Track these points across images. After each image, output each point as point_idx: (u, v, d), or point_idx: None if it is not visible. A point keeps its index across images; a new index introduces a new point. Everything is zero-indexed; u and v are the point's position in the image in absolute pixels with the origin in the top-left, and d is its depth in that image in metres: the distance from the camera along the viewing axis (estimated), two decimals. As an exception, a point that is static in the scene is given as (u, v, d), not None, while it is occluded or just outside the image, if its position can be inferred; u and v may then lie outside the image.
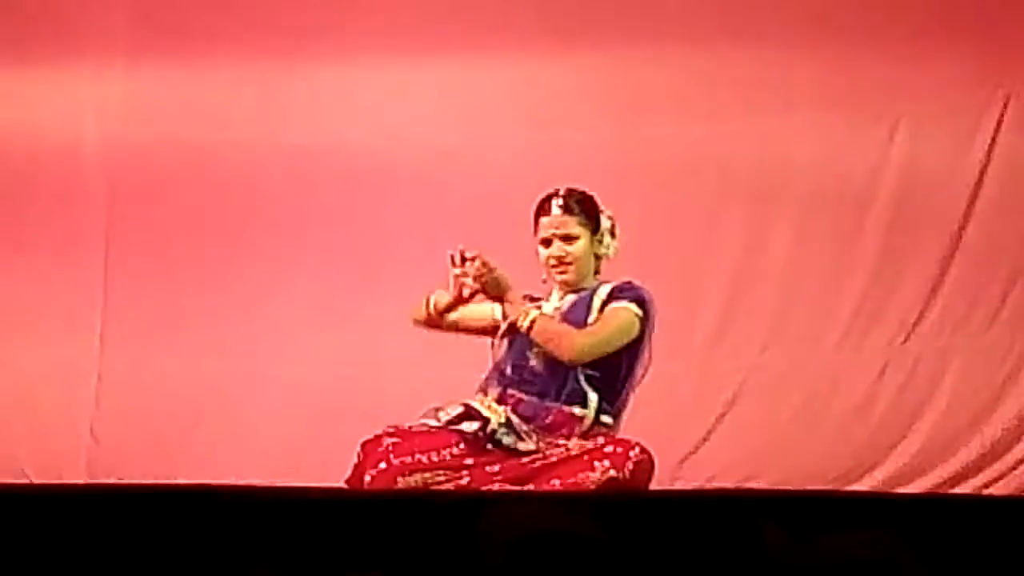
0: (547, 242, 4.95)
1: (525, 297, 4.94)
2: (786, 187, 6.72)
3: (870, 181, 6.68)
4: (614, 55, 6.77)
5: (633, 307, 4.87)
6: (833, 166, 6.72)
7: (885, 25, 6.66)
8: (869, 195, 6.68)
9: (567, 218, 4.94)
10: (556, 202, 4.94)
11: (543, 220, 4.95)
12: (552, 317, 4.89)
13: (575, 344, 4.81)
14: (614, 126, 6.75)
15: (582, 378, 4.85)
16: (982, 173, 6.62)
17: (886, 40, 6.65)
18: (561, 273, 4.94)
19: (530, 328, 4.82)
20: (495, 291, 4.88)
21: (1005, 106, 6.60)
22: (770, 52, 6.70)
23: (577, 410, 4.84)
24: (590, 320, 4.86)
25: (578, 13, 6.78)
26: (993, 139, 6.62)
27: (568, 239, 4.93)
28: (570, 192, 4.98)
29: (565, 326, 4.86)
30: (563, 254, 4.93)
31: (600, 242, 4.98)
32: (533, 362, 4.89)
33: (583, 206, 4.96)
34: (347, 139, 6.82)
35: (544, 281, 5.00)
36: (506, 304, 4.90)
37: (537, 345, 4.85)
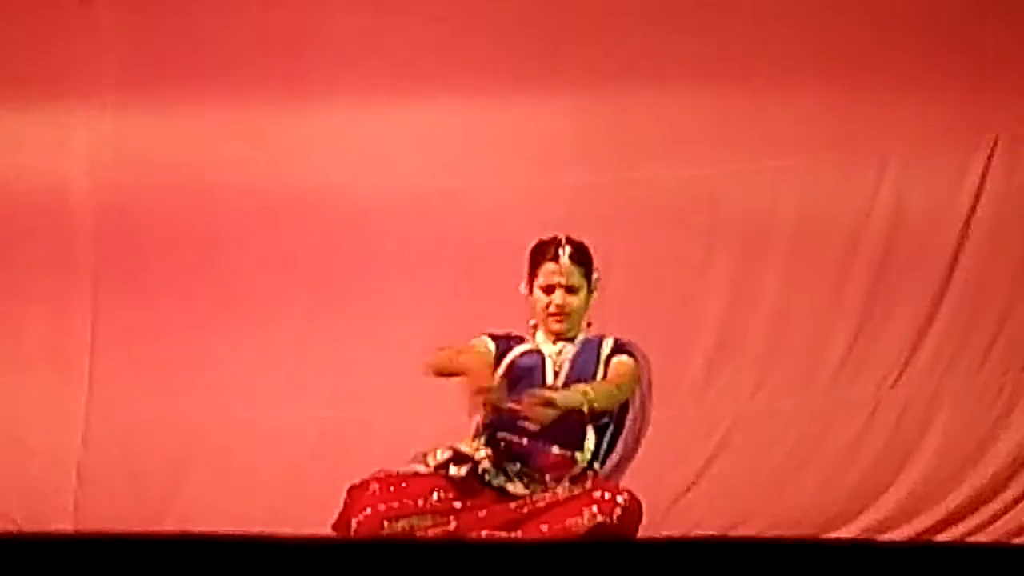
0: (549, 289, 4.94)
1: (498, 337, 4.91)
2: (774, 230, 6.72)
3: (858, 223, 6.68)
4: (602, 99, 6.78)
5: (632, 362, 4.92)
6: (821, 208, 6.72)
7: (872, 67, 6.67)
8: (857, 237, 6.68)
9: (574, 268, 4.96)
10: (565, 250, 4.95)
11: (549, 266, 4.95)
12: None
13: (597, 395, 4.80)
14: (602, 170, 6.75)
15: (590, 427, 4.86)
16: (970, 215, 6.63)
17: (874, 82, 6.66)
18: (558, 322, 4.95)
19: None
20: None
21: (993, 148, 6.62)
22: (758, 95, 6.71)
23: (571, 453, 4.84)
24: (599, 372, 4.89)
25: (567, 57, 6.79)
26: (981, 181, 6.63)
27: (571, 290, 4.95)
28: (573, 242, 4.99)
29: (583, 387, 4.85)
30: (564, 304, 4.93)
31: (590, 295, 5.00)
32: None
33: (587, 259, 5.00)
34: (335, 181, 6.81)
35: (533, 326, 5.00)
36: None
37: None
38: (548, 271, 4.95)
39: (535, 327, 5.01)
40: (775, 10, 6.75)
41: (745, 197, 6.74)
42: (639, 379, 4.95)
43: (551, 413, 4.68)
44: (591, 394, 4.77)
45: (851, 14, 6.72)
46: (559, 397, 4.71)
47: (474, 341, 4.97)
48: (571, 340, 4.98)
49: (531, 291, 4.99)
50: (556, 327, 4.95)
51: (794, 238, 6.71)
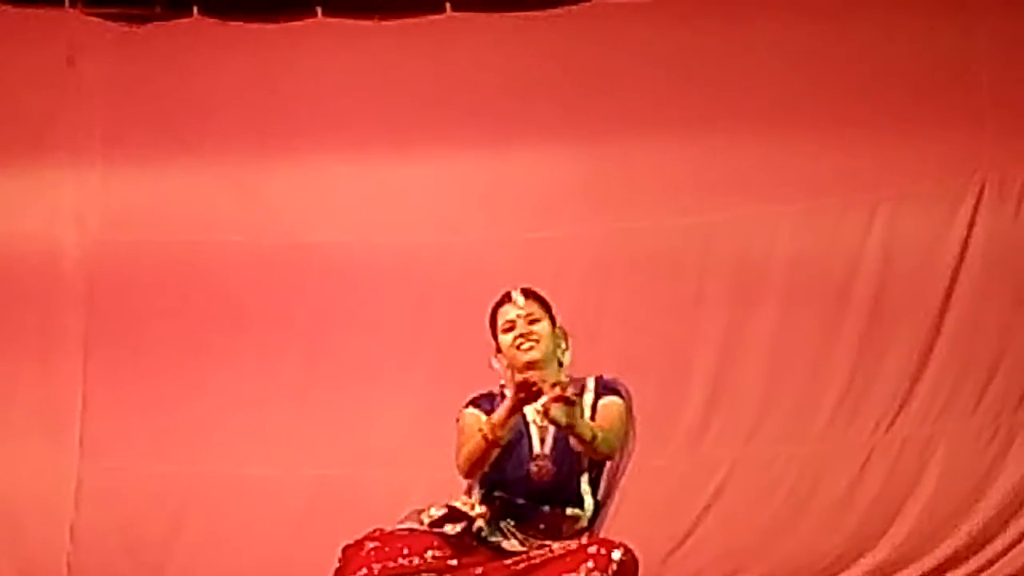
0: (511, 326, 4.91)
1: (480, 400, 4.89)
2: (768, 275, 6.73)
3: (850, 268, 6.70)
4: (592, 149, 6.81)
5: (621, 402, 4.88)
6: (815, 253, 6.74)
7: (862, 114, 6.70)
8: (850, 282, 6.70)
9: (530, 303, 4.94)
10: (515, 292, 4.95)
11: (504, 309, 4.93)
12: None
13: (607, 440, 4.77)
14: (595, 219, 6.77)
15: (584, 480, 4.83)
16: (961, 257, 6.64)
17: (863, 128, 6.69)
18: (529, 350, 4.89)
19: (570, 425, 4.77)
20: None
21: (981, 191, 6.63)
22: (749, 143, 6.75)
23: (570, 511, 4.82)
24: (586, 416, 4.84)
25: (558, 108, 6.81)
26: (971, 223, 6.64)
27: (532, 320, 4.92)
28: (524, 287, 4.98)
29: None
30: (528, 331, 4.90)
31: (560, 343, 4.96)
32: (534, 468, 4.85)
33: (540, 297, 4.98)
34: (327, 238, 6.83)
35: (503, 387, 4.94)
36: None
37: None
38: (503, 313, 4.94)
39: (509, 383, 4.95)
40: (767, 58, 6.78)
41: (739, 243, 6.76)
42: (630, 415, 4.90)
43: (563, 418, 4.65)
44: (599, 436, 4.74)
45: (841, 61, 6.76)
46: (578, 414, 4.70)
47: (468, 420, 4.91)
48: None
49: (498, 349, 4.96)
50: (529, 356, 4.88)
51: (788, 283, 6.73)
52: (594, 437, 4.71)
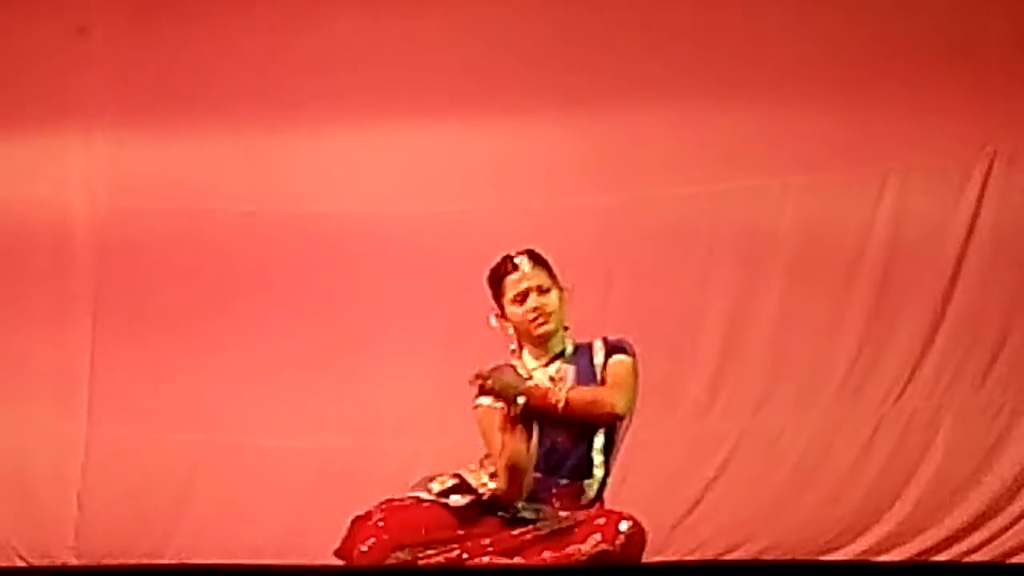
0: (522, 297, 4.92)
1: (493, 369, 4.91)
2: (776, 247, 6.71)
3: (859, 240, 6.67)
4: (600, 118, 6.77)
5: (629, 359, 4.93)
6: (823, 224, 6.71)
7: (872, 83, 6.66)
8: (858, 254, 6.67)
9: (538, 271, 4.95)
10: (522, 258, 4.96)
11: (511, 278, 4.94)
12: (574, 387, 4.86)
13: (616, 400, 4.84)
14: (603, 189, 6.75)
15: (597, 444, 4.84)
16: (970, 230, 6.62)
17: (874, 98, 6.65)
18: (543, 324, 4.93)
19: (567, 406, 4.79)
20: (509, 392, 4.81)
21: (991, 163, 6.60)
22: (758, 113, 6.71)
23: (579, 483, 4.84)
24: (598, 378, 4.89)
25: (565, 76, 6.78)
26: (980, 196, 6.62)
27: (543, 291, 4.94)
28: (527, 250, 5.00)
29: (592, 389, 4.85)
30: (542, 305, 4.92)
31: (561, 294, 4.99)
32: (560, 438, 4.87)
33: (544, 261, 5.01)
34: (337, 207, 6.80)
35: (514, 350, 4.97)
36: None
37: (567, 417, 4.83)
38: (513, 282, 4.94)
39: (518, 349, 4.98)
40: (776, 27, 6.75)
41: (747, 214, 6.73)
42: (638, 373, 4.96)
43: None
44: (619, 405, 4.80)
45: (850, 31, 6.72)
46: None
47: (482, 406, 4.90)
48: (561, 355, 4.96)
49: (503, 314, 4.97)
50: (543, 330, 4.92)
51: (796, 254, 6.70)
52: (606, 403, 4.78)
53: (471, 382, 4.78)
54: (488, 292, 5.01)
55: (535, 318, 4.92)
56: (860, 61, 6.70)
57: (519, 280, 4.94)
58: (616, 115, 6.78)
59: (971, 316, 6.58)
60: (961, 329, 6.58)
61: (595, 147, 6.81)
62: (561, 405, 4.79)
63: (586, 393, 4.84)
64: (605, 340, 5.00)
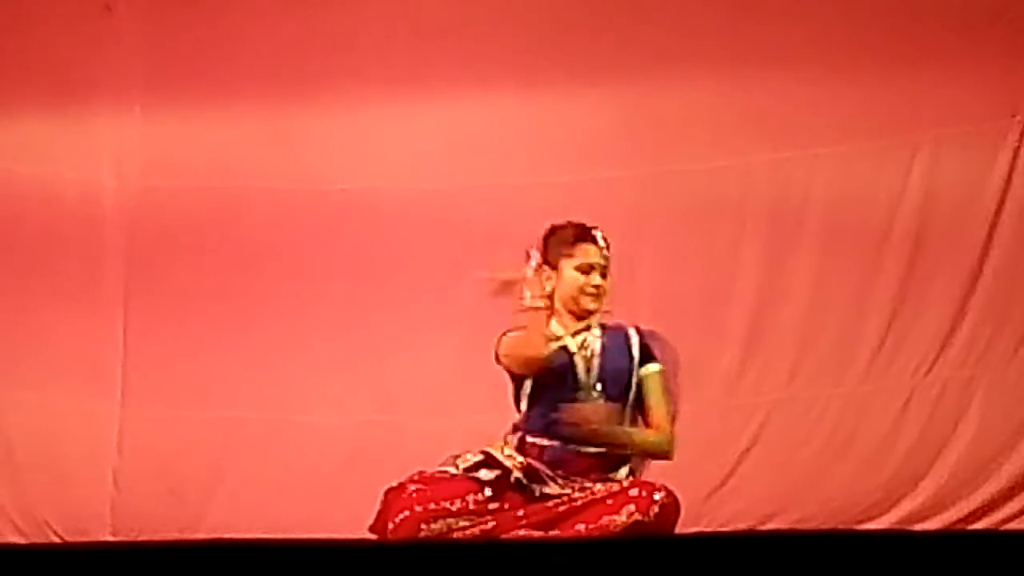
0: (588, 268, 4.94)
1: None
2: (806, 219, 6.69)
3: (890, 211, 6.65)
4: (629, 91, 6.76)
5: (659, 372, 4.95)
6: (853, 195, 6.69)
7: (901, 55, 6.64)
8: (889, 225, 6.65)
9: (606, 253, 4.97)
10: (599, 234, 5.01)
11: (590, 248, 4.98)
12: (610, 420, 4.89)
13: (666, 446, 4.91)
14: (632, 163, 6.74)
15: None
16: (1002, 200, 6.59)
17: (902, 70, 6.63)
18: (595, 301, 4.96)
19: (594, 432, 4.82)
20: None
21: (1022, 133, 6.57)
22: (787, 84, 6.69)
23: (608, 452, 4.85)
24: (633, 371, 4.90)
25: (590, 48, 6.77)
26: (1011, 166, 6.59)
27: (604, 274, 4.97)
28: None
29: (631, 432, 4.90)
30: (601, 285, 4.96)
31: None
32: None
33: (608, 247, 5.02)
34: (368, 184, 6.80)
35: (546, 307, 4.96)
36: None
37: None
38: (588, 251, 4.97)
39: (547, 310, 4.97)
40: (803, -1, 6.74)
41: (776, 186, 6.71)
42: (672, 378, 4.98)
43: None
44: (665, 446, 4.88)
45: (882, 1, 6.69)
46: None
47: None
48: (588, 328, 4.97)
49: (556, 269, 4.97)
50: (592, 305, 4.96)
51: (826, 226, 6.69)
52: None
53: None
54: (549, 243, 5.00)
55: (593, 293, 4.95)
56: (890, 30, 6.67)
57: (594, 253, 4.96)
58: (645, 88, 6.76)
59: (1003, 285, 6.56)
60: (993, 298, 6.56)
61: (624, 120, 6.79)
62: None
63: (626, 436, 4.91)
64: (639, 331, 5.00)
